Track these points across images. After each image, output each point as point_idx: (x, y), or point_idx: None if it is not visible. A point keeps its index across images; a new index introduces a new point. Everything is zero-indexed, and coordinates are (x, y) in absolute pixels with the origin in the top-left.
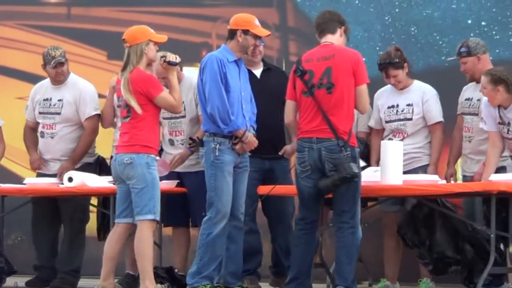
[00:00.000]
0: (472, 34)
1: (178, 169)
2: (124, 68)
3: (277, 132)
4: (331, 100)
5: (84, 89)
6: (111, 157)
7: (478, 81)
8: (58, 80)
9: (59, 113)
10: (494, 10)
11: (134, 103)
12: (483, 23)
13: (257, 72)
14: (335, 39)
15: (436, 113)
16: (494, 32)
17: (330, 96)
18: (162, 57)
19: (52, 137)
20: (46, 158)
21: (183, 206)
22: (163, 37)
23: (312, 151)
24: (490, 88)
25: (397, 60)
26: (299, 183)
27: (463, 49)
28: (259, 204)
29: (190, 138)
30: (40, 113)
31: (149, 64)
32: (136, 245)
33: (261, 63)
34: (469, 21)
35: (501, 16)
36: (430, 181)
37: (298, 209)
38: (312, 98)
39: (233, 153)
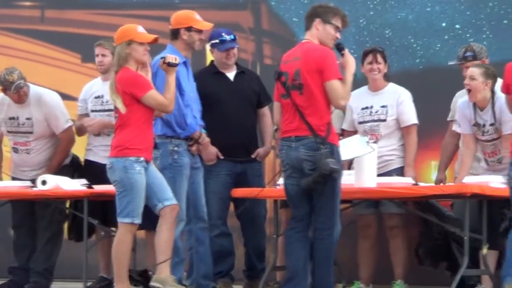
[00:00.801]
0: (446, 37)
1: None
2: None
3: (249, 135)
4: (304, 100)
5: (51, 103)
6: (85, 160)
7: None
8: (22, 101)
9: (31, 132)
10: (468, 13)
11: (119, 103)
12: (457, 26)
13: (231, 75)
14: (311, 34)
15: (410, 116)
16: (468, 35)
17: (302, 96)
18: (161, 58)
19: (28, 153)
20: (23, 169)
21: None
22: (146, 37)
23: (290, 149)
24: (481, 80)
25: (384, 53)
26: (284, 182)
27: (468, 54)
28: (232, 207)
29: None
30: (9, 132)
31: (144, 65)
32: (113, 247)
33: (235, 66)
34: (444, 24)
35: (475, 19)
36: (404, 183)
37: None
38: (290, 100)
39: (189, 155)
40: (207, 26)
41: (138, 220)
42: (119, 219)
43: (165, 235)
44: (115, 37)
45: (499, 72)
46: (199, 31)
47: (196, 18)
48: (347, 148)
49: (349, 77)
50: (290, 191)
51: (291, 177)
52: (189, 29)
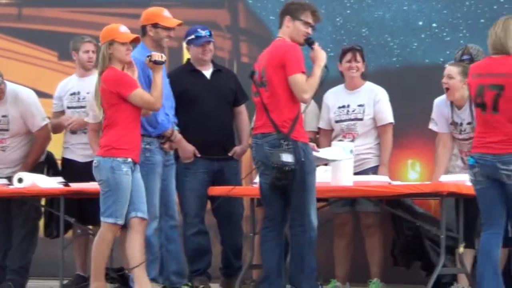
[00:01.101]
0: (423, 36)
1: None
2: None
3: (226, 133)
4: (268, 97)
5: (27, 100)
6: (62, 158)
7: None
8: None
9: (7, 130)
10: (445, 12)
11: (95, 107)
12: (434, 24)
13: (207, 73)
14: (282, 32)
15: (387, 114)
16: (445, 34)
17: (267, 93)
18: (147, 56)
19: (3, 150)
20: None
21: None
22: (127, 37)
23: (258, 146)
24: (459, 79)
25: (363, 52)
26: (259, 180)
27: (465, 57)
28: (209, 205)
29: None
30: None
31: (130, 65)
32: (93, 246)
33: (211, 64)
34: (420, 23)
35: (452, 17)
36: (381, 182)
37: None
38: (259, 97)
39: (161, 153)
40: (173, 23)
41: (121, 221)
42: (102, 219)
43: (138, 244)
44: (100, 37)
45: None
46: (167, 28)
47: (163, 14)
48: (329, 151)
49: (317, 71)
50: (262, 189)
51: (263, 174)
52: (155, 25)
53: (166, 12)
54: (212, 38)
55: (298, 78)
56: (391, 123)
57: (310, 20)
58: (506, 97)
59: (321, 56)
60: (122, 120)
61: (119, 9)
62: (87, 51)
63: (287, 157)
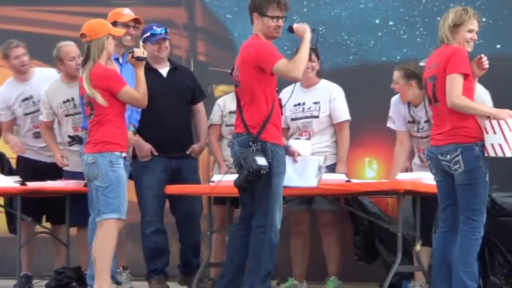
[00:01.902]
0: (380, 34)
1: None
2: (84, 64)
3: (184, 131)
4: (241, 96)
5: None
6: (18, 157)
7: None
8: None
9: None
10: (401, 10)
11: (99, 97)
12: (390, 22)
13: (164, 71)
14: (255, 29)
15: (343, 112)
16: (401, 32)
17: (240, 92)
18: (130, 52)
19: None
20: None
21: (87, 206)
22: (120, 31)
23: (233, 146)
24: (403, 82)
25: (317, 51)
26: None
27: None
28: (167, 204)
29: (69, 136)
30: None
31: (109, 58)
32: (97, 244)
33: (168, 62)
34: (377, 21)
35: (408, 15)
36: (338, 180)
37: None
38: (237, 97)
39: None
40: (128, 18)
41: (124, 216)
42: (104, 216)
43: (111, 245)
44: (88, 32)
45: None
46: (126, 25)
47: (122, 13)
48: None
49: (303, 46)
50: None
51: (239, 173)
52: (114, 24)
53: (126, 11)
54: (168, 35)
55: (280, 65)
56: (348, 120)
57: (277, 13)
58: (440, 87)
59: (301, 31)
60: (113, 116)
61: (76, 8)
62: (17, 57)
63: (262, 160)
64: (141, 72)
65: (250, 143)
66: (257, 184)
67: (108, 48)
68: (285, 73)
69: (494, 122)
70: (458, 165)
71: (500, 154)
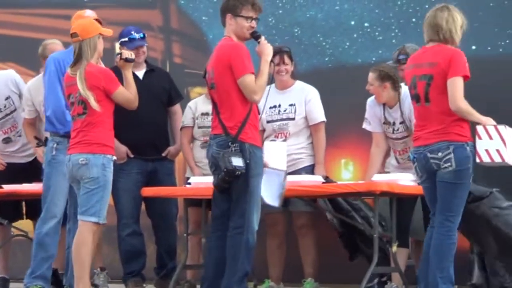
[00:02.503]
0: (355, 35)
1: None
2: (75, 64)
3: (159, 134)
4: (217, 98)
5: None
6: None
7: None
8: None
9: None
10: (376, 11)
11: (92, 100)
12: (366, 24)
13: (140, 73)
14: (227, 30)
15: (318, 113)
16: (377, 33)
17: (216, 94)
18: (118, 54)
19: None
20: None
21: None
22: (109, 31)
23: (210, 147)
24: (377, 84)
25: (290, 53)
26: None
27: (401, 56)
28: (143, 206)
29: (35, 137)
30: None
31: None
32: (74, 248)
33: (144, 64)
34: (352, 22)
35: (383, 17)
36: (314, 181)
37: None
38: (212, 99)
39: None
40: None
41: (103, 221)
42: (83, 217)
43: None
44: (80, 31)
45: None
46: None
47: (84, 15)
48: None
49: (264, 67)
50: (214, 189)
51: (215, 174)
52: None
53: (88, 12)
54: (146, 41)
55: (247, 80)
56: (323, 121)
57: (251, 13)
58: (436, 87)
59: (267, 50)
60: (106, 117)
61: (49, 10)
62: None
63: (238, 161)
64: (129, 73)
65: (229, 143)
66: (234, 185)
67: (99, 47)
68: (248, 91)
69: (490, 127)
70: (449, 163)
71: (497, 160)
